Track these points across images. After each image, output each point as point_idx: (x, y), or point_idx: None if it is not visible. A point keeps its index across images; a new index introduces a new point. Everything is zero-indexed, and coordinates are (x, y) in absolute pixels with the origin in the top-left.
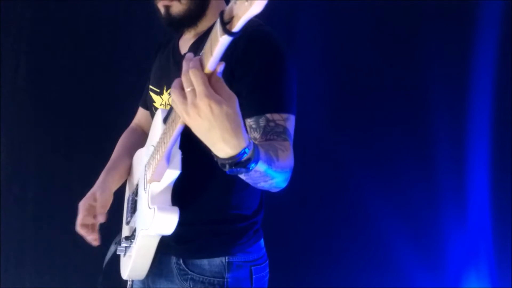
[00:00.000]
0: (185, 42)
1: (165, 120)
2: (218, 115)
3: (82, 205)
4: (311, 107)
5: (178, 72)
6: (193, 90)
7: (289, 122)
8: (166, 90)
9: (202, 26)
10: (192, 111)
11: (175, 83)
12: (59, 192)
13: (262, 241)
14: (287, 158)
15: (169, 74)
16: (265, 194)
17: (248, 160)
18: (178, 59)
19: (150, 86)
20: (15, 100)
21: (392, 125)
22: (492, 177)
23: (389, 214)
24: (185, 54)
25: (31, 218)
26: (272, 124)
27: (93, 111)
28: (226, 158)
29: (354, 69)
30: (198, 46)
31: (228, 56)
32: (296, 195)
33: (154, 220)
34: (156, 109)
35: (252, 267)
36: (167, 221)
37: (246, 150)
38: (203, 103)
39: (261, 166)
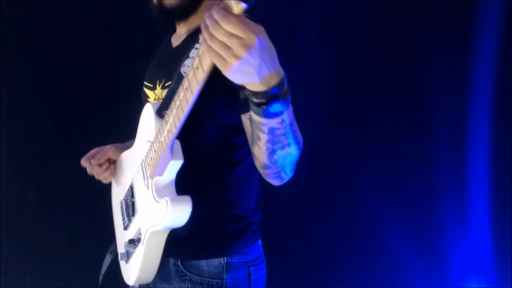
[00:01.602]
0: (177, 38)
1: (158, 113)
2: (265, 45)
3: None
4: (311, 106)
5: (170, 66)
6: (233, 35)
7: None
8: (159, 85)
9: (194, 22)
10: (242, 52)
11: (207, 34)
12: (59, 193)
13: (259, 241)
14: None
15: (161, 69)
16: (263, 195)
17: (288, 92)
18: (170, 53)
19: (145, 82)
20: (15, 100)
21: (392, 126)
22: (493, 178)
23: (389, 215)
24: (176, 47)
25: (31, 218)
26: None
27: (94, 111)
28: (271, 87)
29: (355, 69)
30: (191, 42)
31: None
32: (294, 194)
33: (168, 212)
34: None
35: (251, 268)
36: (181, 211)
37: (284, 77)
38: (251, 39)
39: (289, 114)
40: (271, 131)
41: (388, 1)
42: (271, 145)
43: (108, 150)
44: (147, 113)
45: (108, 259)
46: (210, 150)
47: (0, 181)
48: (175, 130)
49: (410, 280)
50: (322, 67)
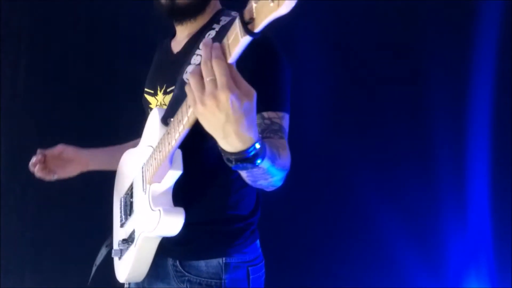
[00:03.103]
0: (178, 42)
1: (163, 120)
2: (237, 109)
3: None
4: (310, 107)
5: (171, 71)
6: (214, 80)
7: (285, 120)
8: (160, 90)
9: (196, 25)
10: (210, 102)
11: (195, 69)
12: (59, 192)
13: (258, 241)
14: (286, 157)
15: (162, 74)
16: (262, 194)
17: (256, 156)
18: (170, 59)
19: (145, 89)
20: (15, 100)
21: (392, 127)
22: (493, 178)
23: (389, 214)
24: (177, 52)
25: (31, 218)
26: (267, 122)
27: (94, 111)
28: (235, 152)
29: (355, 69)
30: (192, 46)
31: None
32: (293, 194)
33: (160, 223)
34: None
35: (249, 268)
36: (173, 223)
37: (256, 145)
38: (224, 95)
39: (265, 163)
40: (248, 172)
41: (389, 2)
42: (252, 179)
43: (58, 148)
44: (153, 118)
45: (103, 252)
46: (209, 154)
47: (0, 181)
48: (175, 144)
49: (410, 279)
50: (322, 68)
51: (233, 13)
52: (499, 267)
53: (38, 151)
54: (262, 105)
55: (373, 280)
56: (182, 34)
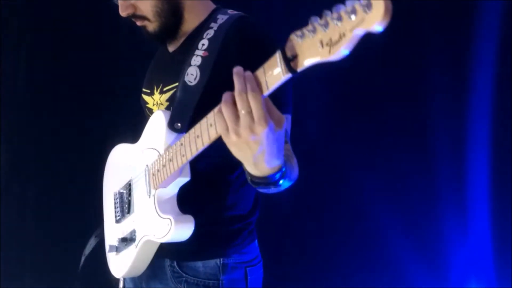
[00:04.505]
0: (174, 42)
1: (170, 124)
2: (271, 140)
3: None
4: (310, 107)
5: (167, 71)
6: (250, 113)
7: (287, 122)
8: (157, 90)
9: (187, 27)
10: (246, 133)
11: (228, 98)
12: (59, 192)
13: (256, 241)
14: (296, 167)
15: (158, 74)
16: (261, 195)
17: (281, 179)
18: (166, 58)
19: (143, 89)
20: (15, 100)
21: (392, 127)
22: (493, 179)
23: (390, 216)
24: (173, 52)
25: (31, 218)
26: None
27: (94, 111)
28: (262, 177)
29: (355, 69)
30: (188, 46)
31: (223, 56)
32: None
33: (170, 231)
34: (150, 110)
35: (247, 268)
36: (184, 231)
37: (283, 169)
38: (261, 128)
39: (286, 183)
40: (266, 190)
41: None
42: (265, 191)
43: None
44: (158, 121)
45: (92, 243)
46: (208, 155)
47: (0, 181)
48: (191, 157)
49: (410, 281)
50: (321, 68)
51: (229, 11)
52: (499, 268)
53: None
54: None
55: (375, 281)
56: (179, 33)
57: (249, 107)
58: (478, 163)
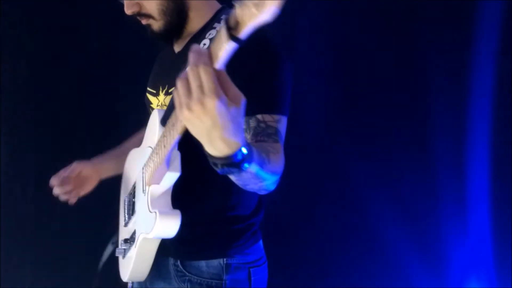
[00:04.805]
0: (179, 42)
1: (163, 121)
2: (224, 115)
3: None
4: (310, 106)
5: (173, 72)
6: (201, 86)
7: (281, 123)
8: (162, 91)
9: (192, 27)
10: (196, 107)
11: (182, 74)
12: None
13: (260, 242)
14: (278, 160)
15: (164, 75)
16: (265, 195)
17: (242, 160)
18: (172, 59)
19: (148, 88)
20: (15, 100)
21: (392, 126)
22: (493, 179)
23: (389, 215)
24: (179, 52)
25: (31, 218)
26: (262, 125)
27: (94, 111)
28: (221, 157)
29: (354, 69)
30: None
31: None
32: (296, 195)
33: (156, 225)
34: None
35: (251, 269)
36: (169, 226)
37: (242, 149)
38: (210, 101)
39: (253, 167)
40: (237, 176)
41: (388, 2)
42: (242, 182)
43: (75, 168)
44: (153, 119)
45: (109, 248)
46: None
47: (0, 181)
48: (170, 147)
49: (410, 280)
50: (321, 69)
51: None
52: (499, 268)
53: (54, 179)
54: (258, 108)
55: (375, 281)
56: (184, 33)
57: (200, 80)
58: (478, 163)
